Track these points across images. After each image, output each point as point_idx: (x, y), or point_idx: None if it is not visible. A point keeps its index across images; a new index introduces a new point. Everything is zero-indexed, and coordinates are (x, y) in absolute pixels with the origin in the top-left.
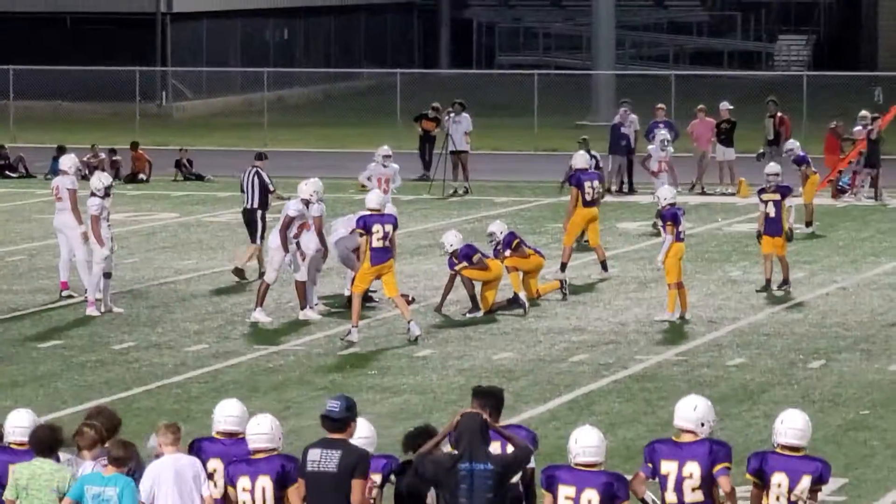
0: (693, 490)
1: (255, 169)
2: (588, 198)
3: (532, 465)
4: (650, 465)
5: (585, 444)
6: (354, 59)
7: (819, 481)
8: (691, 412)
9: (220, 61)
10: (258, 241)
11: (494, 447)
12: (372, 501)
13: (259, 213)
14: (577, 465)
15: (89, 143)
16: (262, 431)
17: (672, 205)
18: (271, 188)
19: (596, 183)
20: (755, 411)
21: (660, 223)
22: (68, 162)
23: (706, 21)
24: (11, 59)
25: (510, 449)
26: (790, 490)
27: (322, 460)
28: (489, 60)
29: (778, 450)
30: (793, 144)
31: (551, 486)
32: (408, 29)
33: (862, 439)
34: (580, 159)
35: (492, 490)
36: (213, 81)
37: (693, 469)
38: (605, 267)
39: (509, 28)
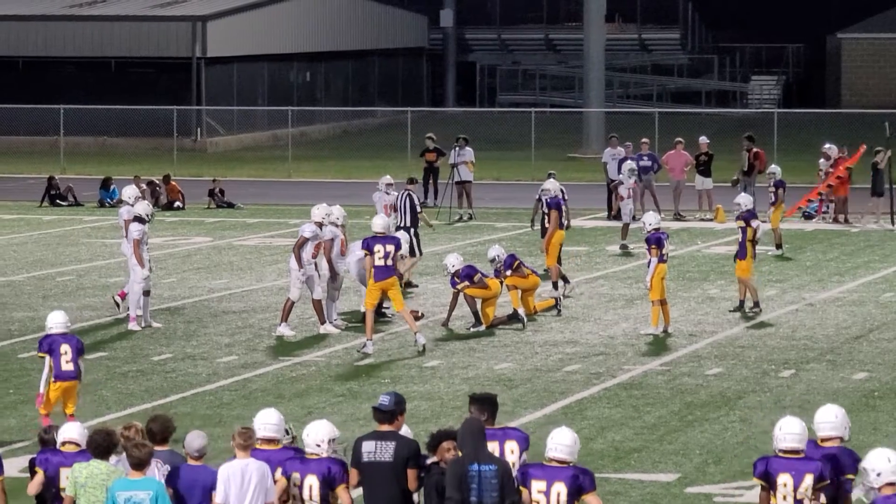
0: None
1: (407, 192)
2: (563, 220)
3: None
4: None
5: (558, 441)
6: (369, 98)
7: (821, 479)
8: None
9: (249, 101)
10: (417, 254)
11: (492, 446)
12: None
13: (412, 230)
14: (549, 460)
15: (132, 174)
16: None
17: (657, 230)
18: (419, 209)
19: (567, 206)
20: (732, 416)
21: (646, 246)
22: (128, 193)
23: (686, 63)
24: (62, 99)
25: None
26: (795, 489)
27: (377, 451)
28: (491, 99)
29: (779, 454)
30: (775, 169)
31: (525, 482)
32: (417, 71)
33: None
34: (552, 186)
35: (496, 489)
36: (242, 119)
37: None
38: (565, 279)
39: (509, 70)
